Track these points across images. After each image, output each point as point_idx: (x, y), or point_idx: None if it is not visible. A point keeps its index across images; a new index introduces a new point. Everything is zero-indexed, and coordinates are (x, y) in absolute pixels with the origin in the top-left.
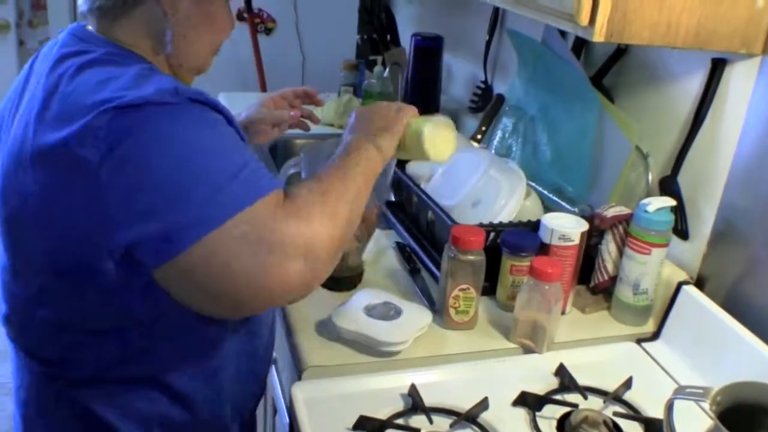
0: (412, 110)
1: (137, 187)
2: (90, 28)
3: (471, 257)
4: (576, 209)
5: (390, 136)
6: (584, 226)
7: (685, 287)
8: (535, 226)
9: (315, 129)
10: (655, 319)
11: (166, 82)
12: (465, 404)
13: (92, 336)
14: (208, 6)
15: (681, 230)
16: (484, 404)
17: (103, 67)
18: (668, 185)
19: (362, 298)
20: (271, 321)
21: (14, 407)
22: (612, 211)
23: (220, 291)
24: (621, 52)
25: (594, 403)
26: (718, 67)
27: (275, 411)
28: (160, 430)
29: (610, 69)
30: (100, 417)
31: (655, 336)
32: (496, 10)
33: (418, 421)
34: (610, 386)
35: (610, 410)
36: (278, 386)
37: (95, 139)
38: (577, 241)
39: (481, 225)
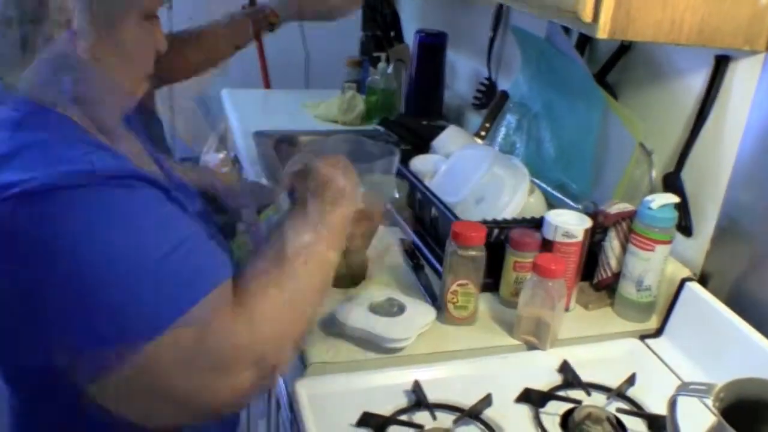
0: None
1: (42, 303)
2: None
3: (471, 253)
4: (579, 206)
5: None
6: (588, 222)
7: (688, 284)
8: (538, 222)
9: (319, 126)
10: (659, 316)
11: (82, 157)
12: (468, 400)
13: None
14: (116, 35)
15: (684, 227)
16: (487, 400)
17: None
18: (672, 182)
19: (366, 294)
20: None
21: None
22: (615, 208)
23: (152, 412)
24: (625, 48)
25: (597, 399)
26: (721, 64)
27: (279, 407)
28: None
29: (614, 66)
30: None
31: (658, 332)
32: (500, 6)
33: (421, 417)
34: (614, 383)
35: (614, 407)
36: (282, 383)
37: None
38: (580, 237)
39: (484, 222)
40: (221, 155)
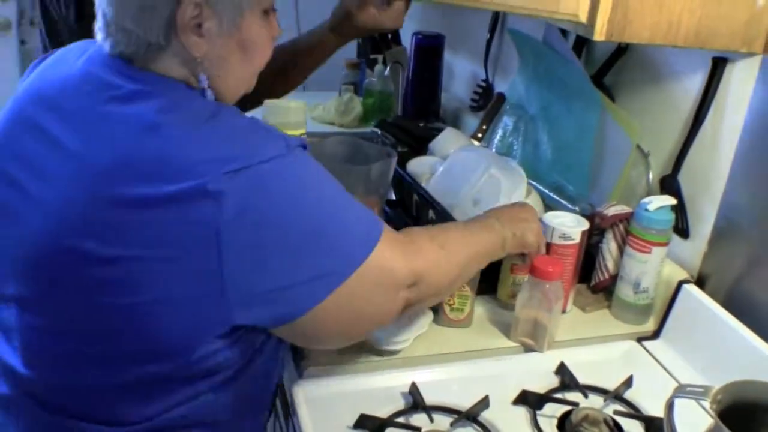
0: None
1: (266, 252)
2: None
3: None
4: (577, 208)
5: (518, 237)
6: (585, 225)
7: (685, 286)
8: None
9: (316, 128)
10: (656, 318)
11: (273, 133)
12: (466, 403)
13: (160, 389)
14: (238, 35)
15: (681, 229)
16: (484, 403)
17: (182, 113)
18: (669, 184)
19: None
20: None
21: None
22: (612, 210)
23: (345, 331)
24: (622, 50)
25: (594, 401)
26: (718, 65)
27: (276, 409)
28: None
29: (611, 68)
30: None
31: (655, 335)
32: None
33: (418, 419)
34: (611, 385)
35: (611, 409)
36: None
37: (216, 202)
38: (577, 239)
39: None
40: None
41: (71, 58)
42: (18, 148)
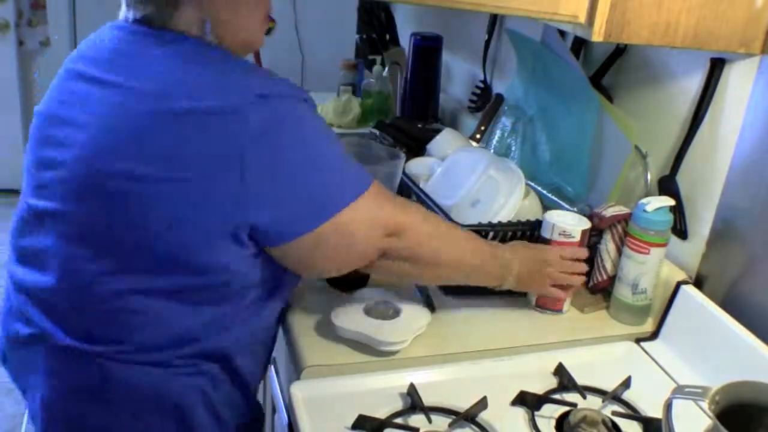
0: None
1: (280, 172)
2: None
3: None
4: (575, 209)
5: (525, 278)
6: (586, 224)
7: (683, 287)
8: (533, 225)
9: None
10: (654, 319)
11: (291, 81)
12: (464, 403)
13: (176, 304)
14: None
15: (680, 230)
16: (483, 403)
17: (212, 52)
18: (667, 185)
19: (361, 297)
20: None
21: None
22: (611, 211)
23: (332, 260)
24: (620, 51)
25: (593, 402)
26: (716, 66)
27: (274, 410)
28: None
29: (610, 69)
30: (163, 396)
31: (653, 335)
32: None
33: (417, 420)
34: (609, 386)
35: (609, 410)
36: (277, 385)
37: (246, 120)
38: (577, 237)
39: (479, 224)
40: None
41: (104, 30)
42: (67, 95)
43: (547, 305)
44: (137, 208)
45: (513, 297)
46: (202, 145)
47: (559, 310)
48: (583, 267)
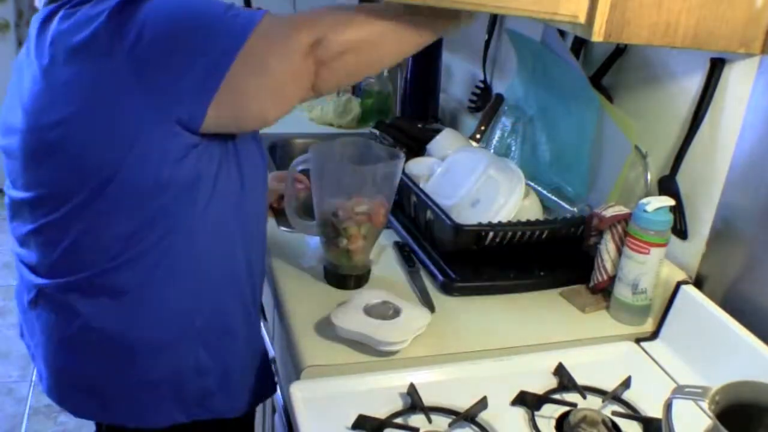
0: None
1: (173, 49)
2: None
3: None
4: (575, 209)
5: None
6: None
7: (683, 287)
8: (533, 225)
9: (315, 129)
10: (654, 319)
11: None
12: (464, 403)
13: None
14: None
15: (680, 230)
16: (483, 403)
17: None
18: (667, 185)
19: (361, 297)
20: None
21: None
22: (611, 211)
23: (264, 90)
24: (620, 51)
25: (593, 402)
26: (716, 66)
27: (274, 410)
28: None
29: (610, 69)
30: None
31: (654, 335)
32: None
33: (417, 420)
34: (609, 386)
35: (609, 410)
36: (277, 385)
37: (119, 26)
38: None
39: (479, 225)
40: None
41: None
42: (16, 87)
43: None
44: (80, 148)
45: (512, 296)
46: (93, 64)
47: None
48: None
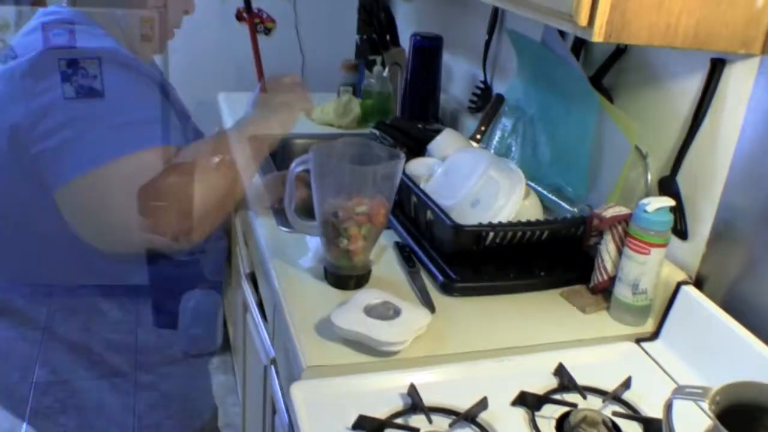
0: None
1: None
2: None
3: None
4: (575, 209)
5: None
6: None
7: (684, 287)
8: (533, 226)
9: (314, 129)
10: (654, 319)
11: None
12: (464, 404)
13: None
14: None
15: (680, 230)
16: (483, 404)
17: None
18: (667, 185)
19: (361, 297)
20: None
21: None
22: (611, 211)
23: (96, 222)
24: (620, 52)
25: (593, 402)
26: (717, 67)
27: (274, 411)
28: None
29: (610, 69)
30: None
31: (654, 336)
32: (496, 10)
33: (417, 420)
34: (609, 386)
35: (609, 410)
36: (277, 386)
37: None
38: None
39: (480, 225)
40: (216, 159)
41: None
42: None
43: None
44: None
45: (513, 297)
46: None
47: None
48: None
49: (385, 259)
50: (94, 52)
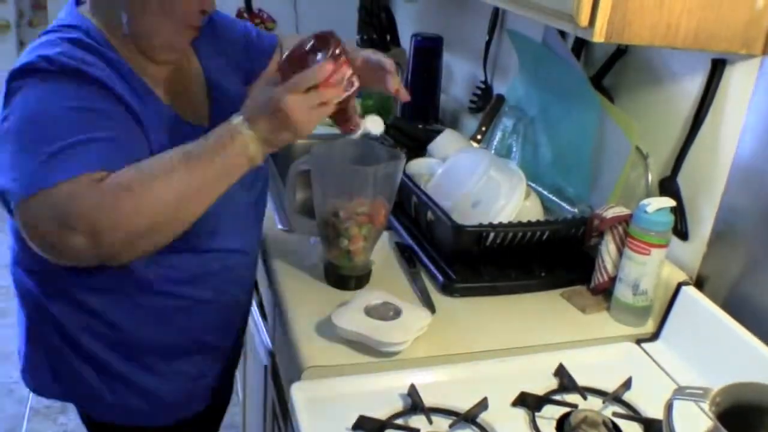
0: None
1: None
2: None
3: None
4: (576, 209)
5: (271, 134)
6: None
7: (684, 288)
8: (534, 226)
9: (315, 130)
10: (655, 320)
11: (50, 47)
12: (464, 404)
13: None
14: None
15: (681, 231)
16: (483, 404)
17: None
18: (668, 186)
19: (362, 298)
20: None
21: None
22: (612, 212)
23: (32, 238)
24: (621, 52)
25: (593, 403)
26: (718, 67)
27: (274, 411)
28: None
29: (610, 69)
30: None
31: (654, 336)
32: (496, 10)
33: (417, 421)
34: (610, 387)
35: (610, 411)
36: (277, 386)
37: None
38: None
39: (480, 225)
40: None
41: None
42: None
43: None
44: None
45: (513, 297)
46: None
47: (352, 131)
48: (323, 72)
49: (385, 260)
50: (19, 70)
